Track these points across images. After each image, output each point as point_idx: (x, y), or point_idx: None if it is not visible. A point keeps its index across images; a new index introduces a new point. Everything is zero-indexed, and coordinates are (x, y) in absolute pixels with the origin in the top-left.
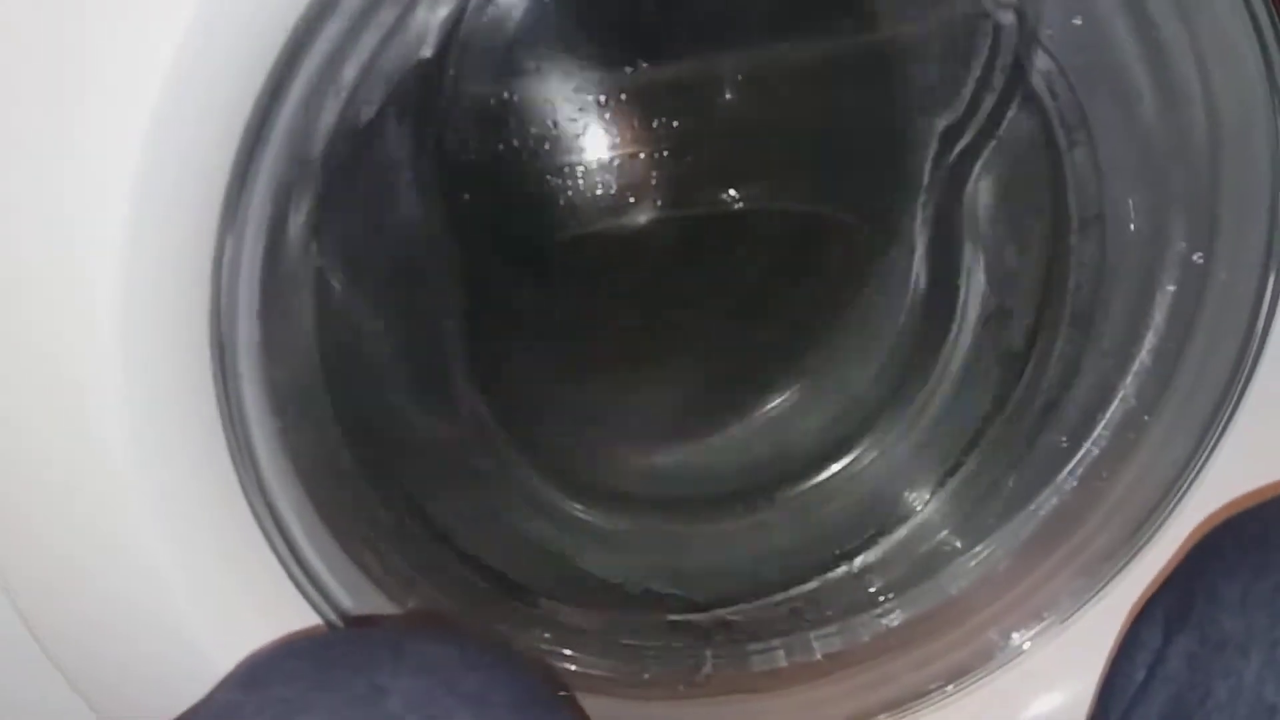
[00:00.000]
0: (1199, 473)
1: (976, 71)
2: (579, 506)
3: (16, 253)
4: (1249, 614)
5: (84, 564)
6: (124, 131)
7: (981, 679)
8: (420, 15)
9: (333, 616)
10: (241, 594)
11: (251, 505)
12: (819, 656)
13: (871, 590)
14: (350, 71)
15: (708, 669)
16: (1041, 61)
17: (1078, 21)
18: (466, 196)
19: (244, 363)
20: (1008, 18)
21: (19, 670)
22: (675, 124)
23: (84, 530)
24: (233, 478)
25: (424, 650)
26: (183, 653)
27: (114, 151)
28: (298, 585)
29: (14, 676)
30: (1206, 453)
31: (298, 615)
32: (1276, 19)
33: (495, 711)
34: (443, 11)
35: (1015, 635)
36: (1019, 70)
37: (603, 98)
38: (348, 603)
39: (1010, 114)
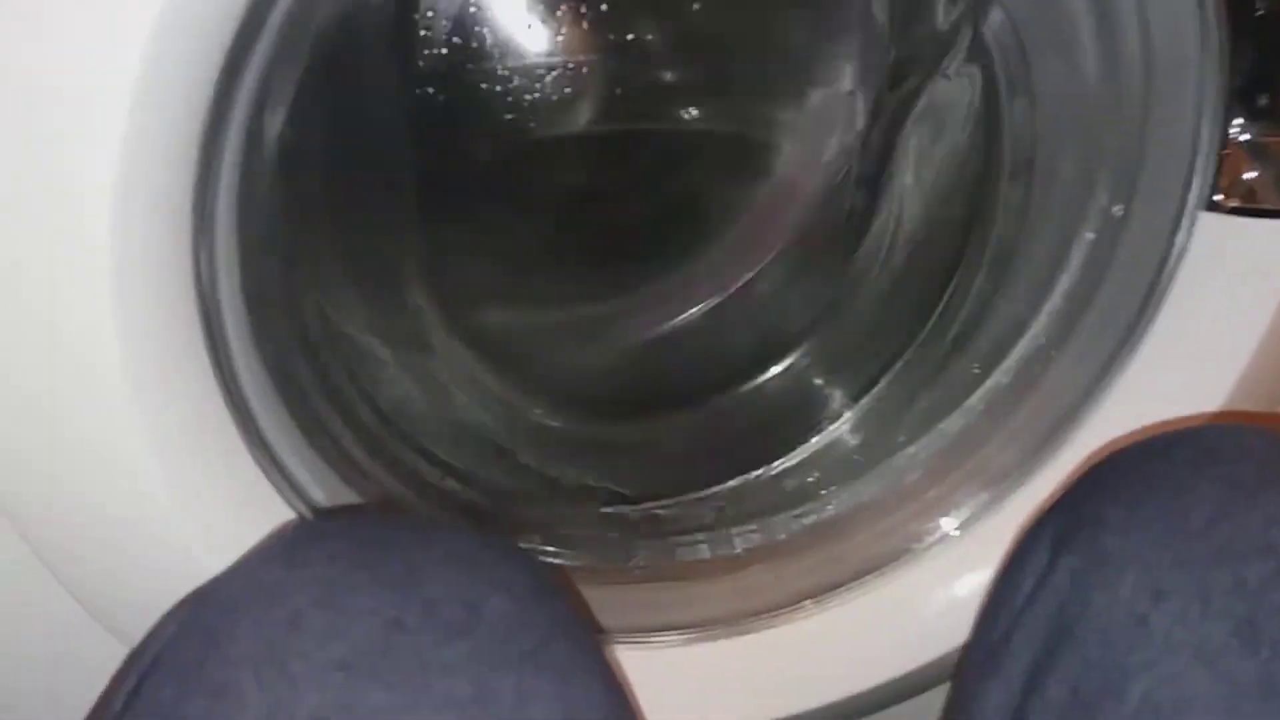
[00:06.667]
0: (1095, 405)
1: (933, 15)
2: (519, 401)
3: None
4: (1129, 536)
5: (73, 474)
6: (125, 22)
7: (890, 575)
8: None
9: (303, 509)
10: (217, 489)
11: (228, 398)
12: (739, 551)
13: (789, 493)
14: None
15: (638, 560)
16: (995, 11)
17: None
18: (430, 90)
19: (221, 259)
20: None
21: (24, 587)
22: (638, 35)
23: (73, 443)
24: (211, 376)
25: (448, 538)
26: (163, 549)
27: (118, 33)
28: (270, 480)
29: (20, 593)
30: (1104, 387)
31: (268, 506)
32: None
33: (521, 597)
34: None
35: (921, 538)
36: (972, 18)
37: (569, 3)
38: (319, 497)
39: (958, 60)
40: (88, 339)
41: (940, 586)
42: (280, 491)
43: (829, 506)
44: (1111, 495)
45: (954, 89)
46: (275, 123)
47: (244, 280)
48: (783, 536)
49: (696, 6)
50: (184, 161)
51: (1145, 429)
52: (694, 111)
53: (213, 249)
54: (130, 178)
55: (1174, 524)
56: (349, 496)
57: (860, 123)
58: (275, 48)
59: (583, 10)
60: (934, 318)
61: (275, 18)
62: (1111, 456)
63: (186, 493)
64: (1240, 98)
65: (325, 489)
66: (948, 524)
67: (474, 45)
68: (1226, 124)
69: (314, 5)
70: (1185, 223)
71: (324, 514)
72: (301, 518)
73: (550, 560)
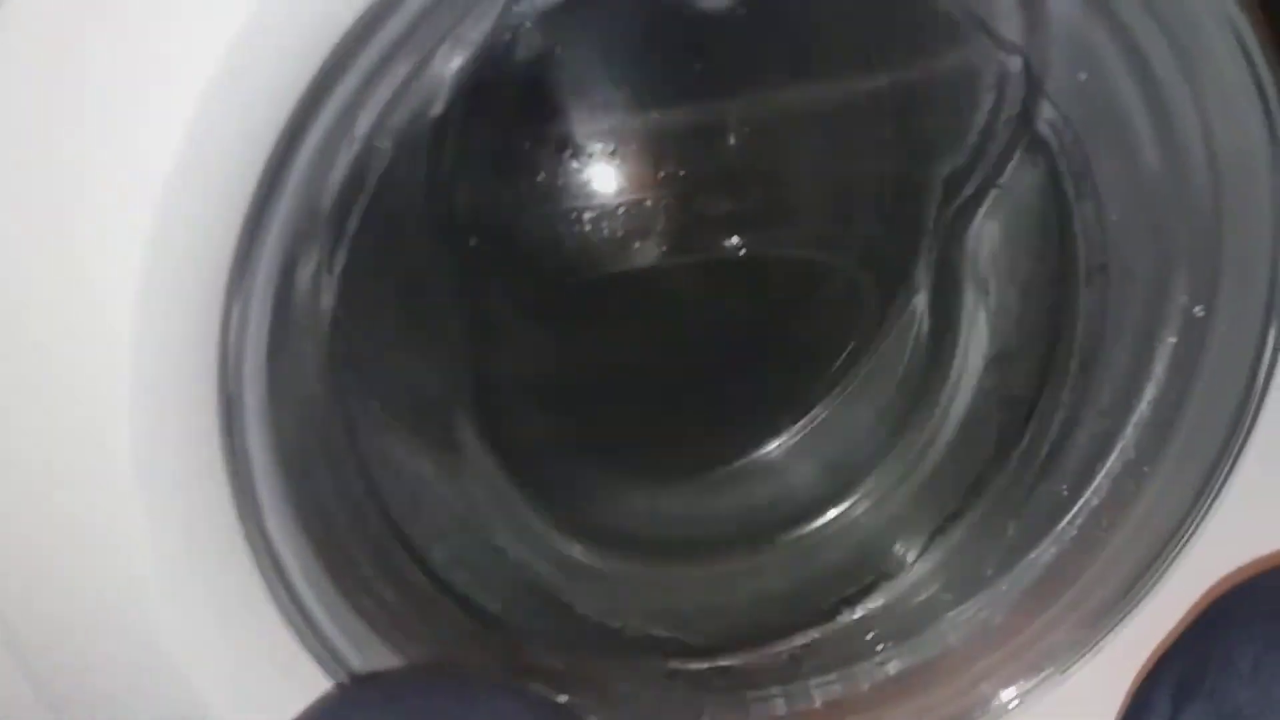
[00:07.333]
0: (1198, 526)
1: (982, 119)
2: (578, 548)
3: (31, 306)
4: (1262, 685)
5: (92, 630)
6: (141, 181)
7: None
8: (435, 68)
9: (341, 675)
10: (249, 658)
11: (256, 560)
12: (818, 705)
13: (871, 638)
14: (364, 123)
15: (706, 717)
16: (1047, 112)
17: (1083, 76)
18: (473, 241)
19: (250, 414)
20: (1015, 64)
21: None
22: (683, 171)
23: (91, 593)
24: (238, 530)
25: (491, 701)
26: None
27: (130, 200)
28: (305, 644)
29: None
30: (1206, 506)
31: (306, 674)
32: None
33: None
34: (456, 63)
35: (1014, 686)
36: (1025, 118)
37: (611, 145)
38: (355, 660)
39: (1014, 163)
40: (112, 501)
41: None
42: (316, 658)
43: (913, 653)
44: (1239, 636)
45: (1019, 196)
46: (305, 277)
47: (277, 439)
48: (865, 686)
49: (736, 138)
50: (207, 326)
51: (1262, 559)
52: (744, 241)
53: (242, 405)
54: (150, 353)
55: None
56: (392, 658)
57: (922, 239)
58: (298, 200)
59: (615, 150)
60: (1020, 438)
61: (295, 176)
62: (1236, 589)
63: (214, 664)
64: None
65: (365, 651)
66: (1044, 670)
67: (510, 190)
68: None
69: (333, 160)
70: (1276, 315)
71: (362, 680)
72: (339, 685)
73: None
